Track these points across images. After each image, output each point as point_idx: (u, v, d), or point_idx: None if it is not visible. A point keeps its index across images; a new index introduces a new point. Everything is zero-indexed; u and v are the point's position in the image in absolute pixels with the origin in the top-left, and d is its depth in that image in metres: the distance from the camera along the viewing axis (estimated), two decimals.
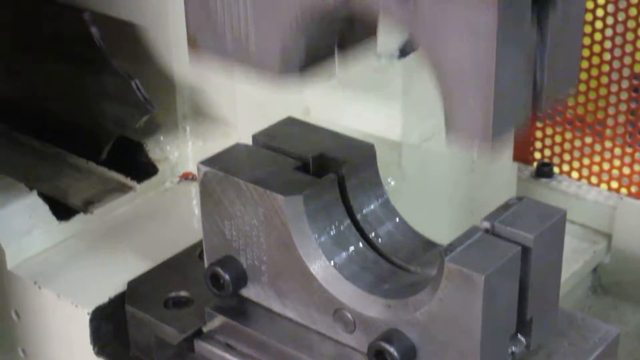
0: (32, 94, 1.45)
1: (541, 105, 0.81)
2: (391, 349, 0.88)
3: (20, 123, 1.46)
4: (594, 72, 1.62)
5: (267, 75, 0.87)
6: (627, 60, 1.58)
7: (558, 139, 1.71)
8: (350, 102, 1.27)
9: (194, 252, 1.15)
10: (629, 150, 1.63)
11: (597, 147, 1.66)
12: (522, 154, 1.73)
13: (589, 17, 1.59)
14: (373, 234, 0.98)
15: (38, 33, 1.41)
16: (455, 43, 0.75)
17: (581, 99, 1.64)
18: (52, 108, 1.43)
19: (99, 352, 1.12)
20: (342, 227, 0.96)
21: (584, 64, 1.63)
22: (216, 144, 1.26)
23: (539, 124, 1.73)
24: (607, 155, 1.65)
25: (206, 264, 1.00)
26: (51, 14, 1.38)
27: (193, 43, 0.90)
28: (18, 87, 1.45)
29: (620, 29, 1.57)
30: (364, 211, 0.99)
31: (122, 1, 1.35)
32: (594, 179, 1.68)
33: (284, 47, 0.85)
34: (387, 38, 1.23)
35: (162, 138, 1.38)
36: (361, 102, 1.27)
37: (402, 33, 0.78)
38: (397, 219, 1.00)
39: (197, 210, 1.01)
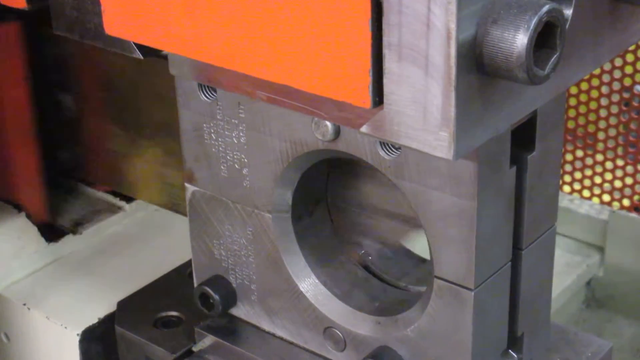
0: None
1: (522, 243, 0.86)
2: None
3: None
4: (584, 86, 1.62)
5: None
6: (617, 73, 1.58)
7: None
8: None
9: (184, 272, 1.14)
10: (620, 163, 1.63)
11: (589, 161, 1.66)
12: None
13: None
14: (362, 251, 0.97)
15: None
16: (439, 192, 0.80)
17: (572, 112, 1.64)
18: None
19: None
20: (331, 245, 0.96)
21: None
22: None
23: None
24: (599, 168, 1.65)
25: (195, 284, 1.00)
26: None
27: (189, 177, 0.95)
28: None
29: None
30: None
31: None
32: (585, 193, 1.68)
33: (277, 188, 0.90)
34: None
35: None
36: None
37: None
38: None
39: (186, 230, 1.02)
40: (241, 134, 0.89)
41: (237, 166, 0.91)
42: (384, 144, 0.81)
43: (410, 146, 0.67)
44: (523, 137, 0.82)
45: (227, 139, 0.91)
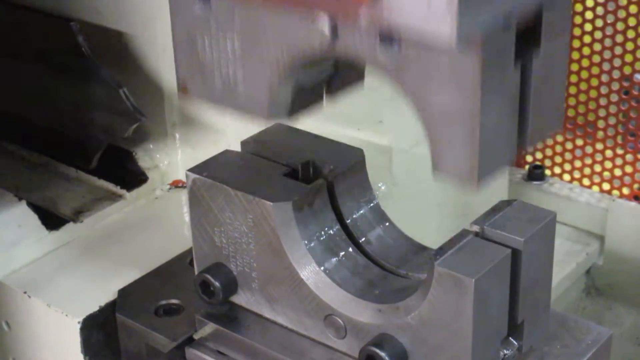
0: (21, 104, 1.44)
1: (526, 145, 0.83)
2: (382, 354, 0.87)
3: (9, 133, 1.46)
4: (584, 74, 1.62)
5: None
6: (617, 62, 1.58)
7: (549, 141, 1.71)
8: (339, 108, 1.27)
9: (185, 260, 1.14)
10: (620, 152, 1.63)
11: (589, 149, 1.66)
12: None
13: (578, 19, 1.59)
14: (363, 239, 0.98)
15: (25, 43, 1.41)
16: (440, 88, 0.76)
17: (572, 101, 1.64)
18: (41, 118, 1.42)
19: None
20: (332, 233, 0.96)
21: (574, 67, 1.63)
22: (205, 151, 1.26)
23: None
24: (599, 157, 1.65)
25: (196, 272, 1.00)
26: (38, 24, 1.37)
27: (183, 88, 0.92)
28: (5, 97, 1.44)
29: (609, 31, 1.57)
30: (354, 216, 0.98)
31: (110, 10, 1.35)
32: (585, 181, 1.68)
33: (272, 92, 0.86)
34: None
35: (151, 146, 1.38)
36: (350, 107, 1.27)
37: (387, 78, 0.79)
38: (388, 224, 1.00)
39: (187, 218, 1.01)
40: (236, 42, 0.86)
41: (231, 74, 0.89)
42: (383, 42, 0.77)
43: (410, 30, 0.64)
44: (528, 40, 0.79)
45: (222, 47, 0.87)
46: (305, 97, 0.89)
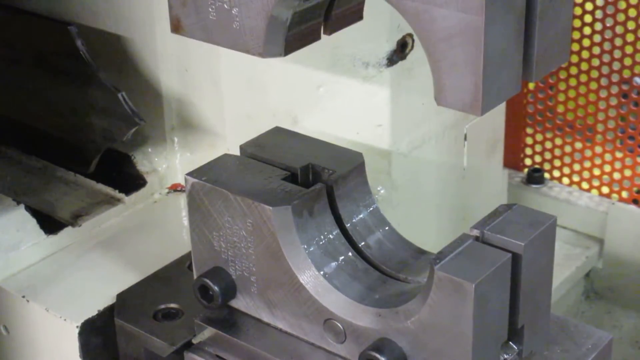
0: (19, 108, 1.44)
1: (532, 76, 0.80)
2: (382, 359, 0.87)
3: (7, 137, 1.45)
4: (583, 78, 1.62)
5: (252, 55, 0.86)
6: (616, 65, 1.58)
7: (548, 145, 1.71)
8: (339, 112, 1.27)
9: (183, 264, 1.14)
10: (619, 155, 1.63)
11: (588, 153, 1.66)
12: (512, 161, 1.73)
13: (577, 23, 1.59)
14: (363, 243, 0.97)
15: (23, 47, 1.40)
16: (444, 9, 0.74)
17: (571, 104, 1.64)
18: (39, 121, 1.42)
19: None
20: (331, 237, 0.96)
21: (573, 70, 1.63)
22: (204, 155, 1.26)
23: (529, 130, 1.73)
24: (598, 160, 1.65)
25: (195, 276, 1.00)
26: (36, 28, 1.37)
27: (176, 25, 0.89)
28: (4, 101, 1.44)
29: (608, 34, 1.57)
30: (354, 220, 0.98)
31: (108, 13, 1.35)
32: (584, 185, 1.68)
33: (268, 25, 0.84)
34: (375, 47, 1.23)
35: (150, 150, 1.37)
36: (349, 111, 1.27)
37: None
38: (387, 228, 0.99)
39: (186, 222, 1.01)
40: None
41: (226, 6, 0.86)
42: None
43: None
44: None
45: None
46: (302, 32, 0.87)
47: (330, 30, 0.90)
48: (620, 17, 1.55)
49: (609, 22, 1.56)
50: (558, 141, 1.69)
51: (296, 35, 0.86)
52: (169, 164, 1.37)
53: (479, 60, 0.74)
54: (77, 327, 1.10)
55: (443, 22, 0.74)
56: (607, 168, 1.64)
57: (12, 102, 1.44)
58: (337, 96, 1.25)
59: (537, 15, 0.77)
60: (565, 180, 1.69)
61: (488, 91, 0.75)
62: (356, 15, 0.92)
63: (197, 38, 0.89)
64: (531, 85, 1.68)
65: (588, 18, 1.57)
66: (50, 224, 1.25)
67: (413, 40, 1.24)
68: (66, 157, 1.39)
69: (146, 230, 1.28)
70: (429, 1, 0.74)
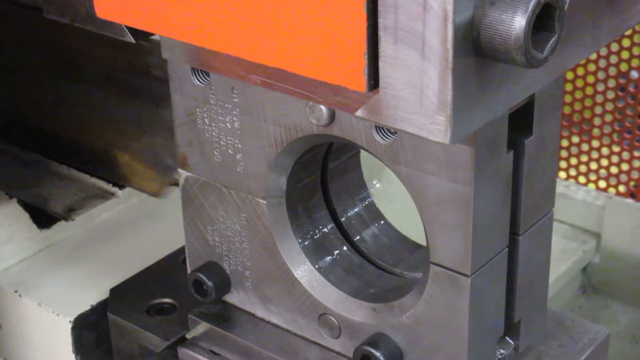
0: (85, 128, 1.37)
1: (519, 229, 0.85)
2: (377, 354, 0.86)
3: (1, 132, 1.44)
4: (580, 71, 1.62)
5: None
6: (614, 59, 1.58)
7: None
8: None
9: (177, 259, 1.14)
10: (616, 149, 1.62)
11: (585, 147, 1.65)
12: None
13: None
14: (358, 237, 0.97)
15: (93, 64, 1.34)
16: (435, 177, 0.79)
17: (568, 98, 1.64)
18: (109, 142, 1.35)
19: None
20: (326, 231, 0.95)
21: None
22: None
23: None
24: (595, 154, 1.64)
25: (189, 270, 0.99)
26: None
27: (182, 162, 0.95)
28: (68, 122, 1.40)
29: None
30: (349, 214, 0.98)
31: None
32: (582, 179, 1.67)
33: (270, 169, 0.89)
34: None
35: None
36: None
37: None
38: (382, 222, 0.99)
39: (180, 216, 1.01)
40: (235, 119, 0.89)
41: (230, 151, 0.90)
42: (379, 129, 0.80)
43: (406, 130, 0.66)
44: (520, 121, 0.81)
45: (221, 123, 0.90)
46: (303, 173, 0.92)
47: (330, 168, 0.95)
48: None
49: None
50: None
51: (296, 177, 0.91)
52: None
53: (469, 225, 0.79)
54: (70, 322, 1.09)
55: (434, 188, 0.79)
56: (604, 162, 1.63)
57: (79, 124, 1.37)
58: None
59: (523, 176, 0.83)
60: (562, 174, 1.69)
61: (477, 251, 0.80)
62: (354, 154, 0.96)
63: (203, 177, 0.94)
64: None
65: None
66: (43, 218, 1.25)
67: None
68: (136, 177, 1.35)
69: (140, 225, 1.27)
70: (421, 169, 0.79)
